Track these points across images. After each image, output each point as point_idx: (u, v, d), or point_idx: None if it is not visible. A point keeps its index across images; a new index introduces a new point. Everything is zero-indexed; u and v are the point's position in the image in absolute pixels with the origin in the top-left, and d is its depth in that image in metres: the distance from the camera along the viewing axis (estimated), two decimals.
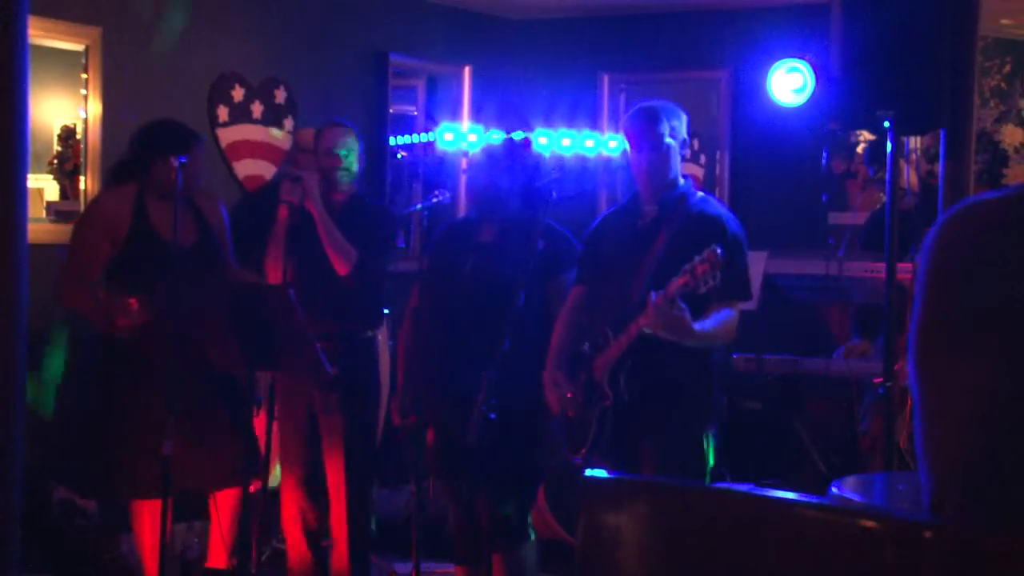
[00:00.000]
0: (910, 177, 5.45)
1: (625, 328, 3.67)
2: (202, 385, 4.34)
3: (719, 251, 3.44)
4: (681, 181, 3.89)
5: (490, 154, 4.39)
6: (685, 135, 3.91)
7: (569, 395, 3.86)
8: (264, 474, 4.54)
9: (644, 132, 3.84)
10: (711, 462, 3.83)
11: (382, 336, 5.00)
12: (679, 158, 3.90)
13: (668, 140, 3.84)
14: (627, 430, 3.78)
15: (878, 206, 6.19)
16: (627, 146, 3.91)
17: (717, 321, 3.67)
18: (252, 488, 4.47)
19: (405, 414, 4.39)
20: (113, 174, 4.68)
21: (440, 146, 7.20)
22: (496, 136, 6.92)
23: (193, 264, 4.32)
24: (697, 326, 3.55)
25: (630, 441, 3.78)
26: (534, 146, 6.92)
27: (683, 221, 3.79)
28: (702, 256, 3.44)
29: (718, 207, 3.92)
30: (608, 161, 7.41)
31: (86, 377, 4.65)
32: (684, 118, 3.92)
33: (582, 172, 7.30)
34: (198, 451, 4.33)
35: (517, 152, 4.36)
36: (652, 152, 3.83)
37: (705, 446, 3.81)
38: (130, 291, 4.36)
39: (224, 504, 4.55)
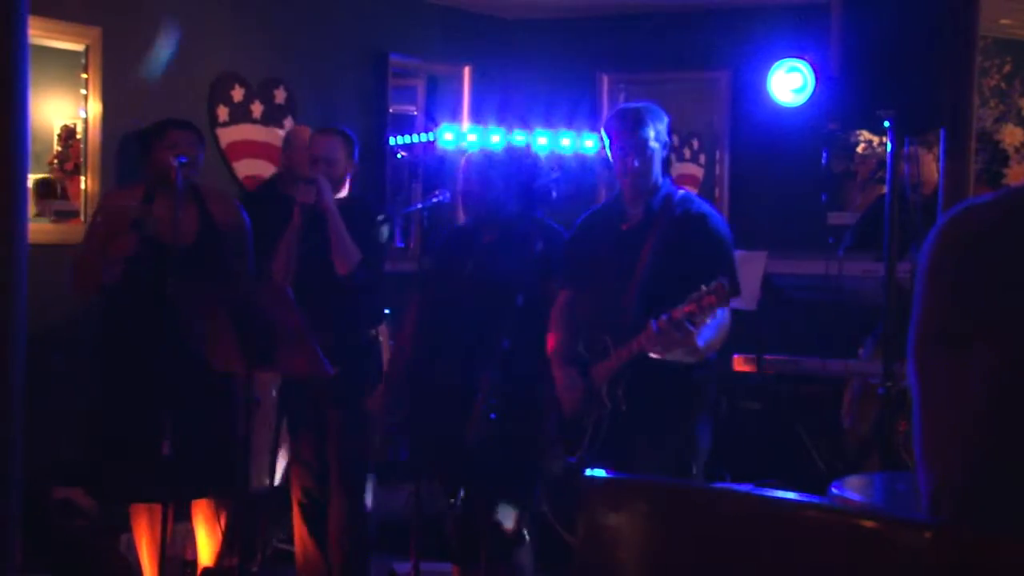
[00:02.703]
0: (922, 174, 5.37)
1: (625, 342, 3.68)
2: (197, 388, 4.33)
3: (726, 284, 3.45)
4: (661, 181, 3.89)
5: (488, 157, 4.39)
6: (667, 137, 3.92)
7: (578, 395, 3.86)
8: (271, 473, 4.55)
9: (628, 137, 3.84)
10: (702, 450, 3.84)
11: (383, 335, 5.02)
12: (661, 161, 3.90)
13: (653, 144, 3.85)
14: (622, 433, 3.79)
15: (872, 200, 6.17)
16: (607, 144, 3.91)
17: (715, 328, 3.66)
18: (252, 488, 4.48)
19: (387, 411, 4.44)
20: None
21: (440, 146, 7.19)
22: (495, 137, 6.93)
23: (192, 263, 4.31)
24: (700, 341, 3.56)
25: (624, 442, 3.78)
26: (532, 147, 6.93)
27: (669, 224, 3.80)
28: (710, 287, 3.45)
29: (701, 205, 3.93)
30: (607, 161, 7.41)
31: (87, 378, 4.65)
32: (666, 120, 3.93)
33: (581, 172, 7.29)
34: (191, 456, 4.33)
35: (515, 155, 4.36)
36: (637, 157, 3.83)
37: (695, 433, 3.82)
38: (125, 289, 4.39)
39: (219, 505, 4.56)
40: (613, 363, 3.74)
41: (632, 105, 3.96)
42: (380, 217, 4.71)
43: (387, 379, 4.57)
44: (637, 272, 3.77)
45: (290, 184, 5.27)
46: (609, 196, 4.12)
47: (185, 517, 4.75)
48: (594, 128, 7.49)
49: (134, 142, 4.71)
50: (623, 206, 3.94)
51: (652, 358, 3.64)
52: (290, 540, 4.99)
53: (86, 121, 5.62)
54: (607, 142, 3.90)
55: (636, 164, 3.83)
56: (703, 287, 3.46)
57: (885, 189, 4.27)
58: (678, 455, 3.77)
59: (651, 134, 3.84)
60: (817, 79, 5.85)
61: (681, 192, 3.94)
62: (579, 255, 4.03)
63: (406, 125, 7.54)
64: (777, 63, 6.70)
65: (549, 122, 7.33)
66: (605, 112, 7.63)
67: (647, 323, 3.58)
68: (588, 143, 7.36)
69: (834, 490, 3.05)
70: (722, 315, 3.70)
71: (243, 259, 4.61)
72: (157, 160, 4.44)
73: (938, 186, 4.47)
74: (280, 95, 6.46)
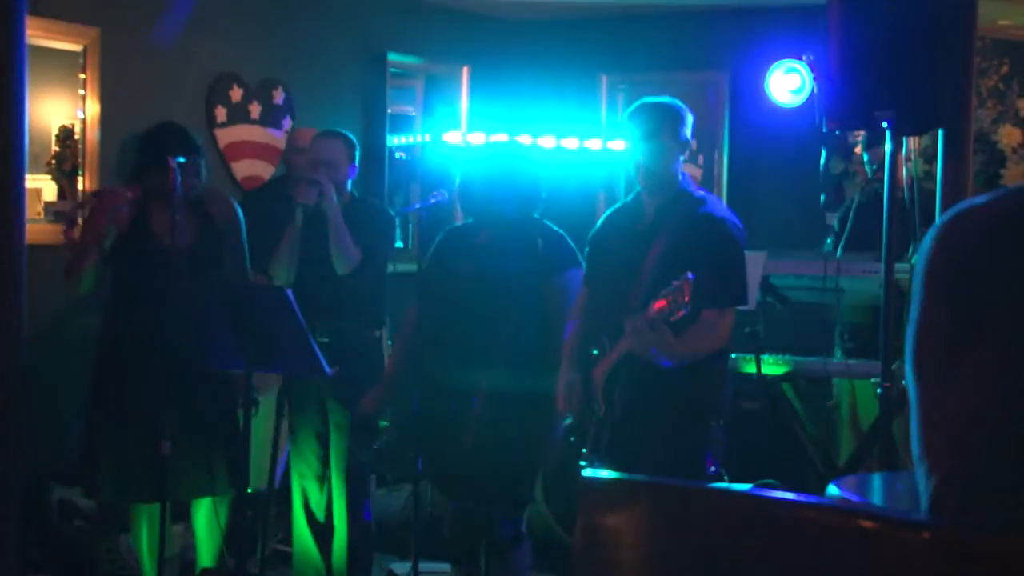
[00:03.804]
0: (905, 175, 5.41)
1: (616, 341, 3.65)
2: (196, 389, 4.33)
3: (691, 277, 3.39)
4: (680, 178, 3.87)
5: (486, 155, 4.38)
6: (688, 136, 3.88)
7: (572, 395, 3.85)
8: (270, 473, 4.55)
9: (648, 131, 3.81)
10: (706, 459, 3.82)
11: (383, 337, 5.02)
12: (680, 158, 3.87)
13: (671, 141, 3.81)
14: (624, 440, 3.76)
15: (848, 201, 6.17)
16: (630, 139, 3.88)
17: (703, 332, 3.62)
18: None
19: (377, 408, 4.42)
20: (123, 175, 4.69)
21: (439, 146, 7.20)
22: (494, 137, 6.93)
23: (189, 266, 4.31)
24: (680, 344, 3.51)
25: (627, 450, 3.76)
26: (530, 146, 6.93)
27: (682, 223, 3.76)
28: (678, 282, 3.38)
29: (717, 207, 3.88)
30: (607, 162, 7.41)
31: (86, 378, 4.65)
32: (690, 119, 3.87)
33: (580, 173, 7.29)
34: (190, 456, 4.33)
35: (513, 154, 4.35)
36: (654, 153, 3.80)
37: (699, 437, 3.79)
38: (124, 291, 4.39)
39: (218, 505, 4.56)
40: (607, 363, 3.72)
41: (653, 101, 3.90)
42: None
43: (383, 379, 4.56)
44: (644, 270, 3.75)
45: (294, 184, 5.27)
46: (630, 193, 4.09)
47: (184, 518, 4.75)
48: (593, 129, 7.49)
49: (132, 144, 4.67)
50: (640, 204, 3.92)
51: (647, 361, 3.61)
52: (288, 541, 5.00)
53: (84, 122, 5.62)
54: (628, 134, 3.86)
55: (653, 163, 3.80)
56: (672, 282, 3.41)
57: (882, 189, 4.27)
58: (681, 459, 3.73)
59: (670, 131, 3.80)
60: (815, 80, 5.85)
61: (700, 192, 3.90)
62: (598, 253, 4.01)
63: (405, 125, 7.54)
64: (775, 64, 6.72)
65: (548, 122, 7.33)
66: (604, 113, 7.63)
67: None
68: (587, 143, 7.36)
69: (833, 490, 3.05)
70: (717, 319, 3.67)
71: (239, 257, 4.61)
72: (147, 175, 4.41)
73: (912, 185, 4.48)
74: (278, 95, 6.46)
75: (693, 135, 3.92)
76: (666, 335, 3.45)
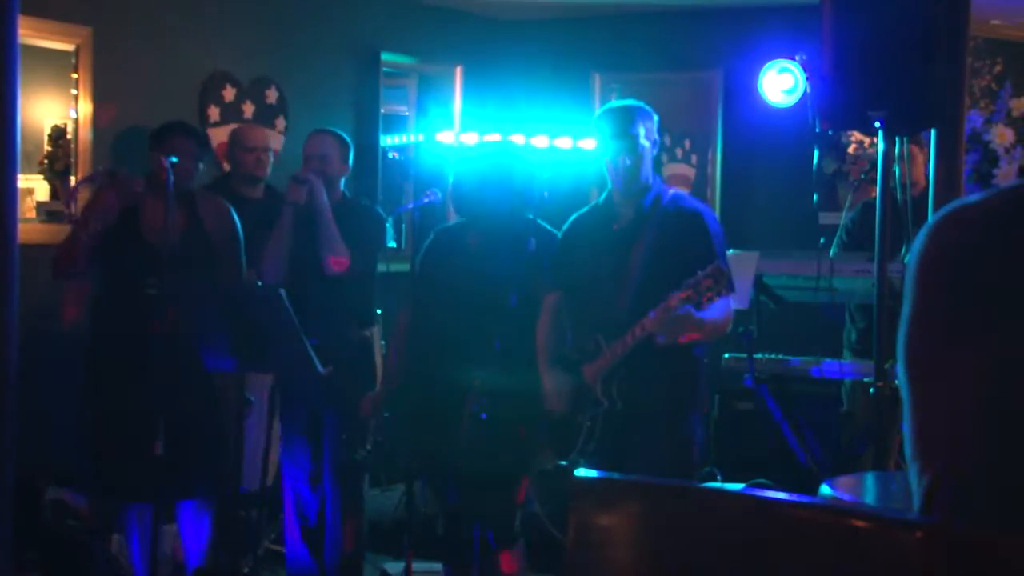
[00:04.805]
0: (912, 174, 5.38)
1: (619, 337, 3.69)
2: (185, 389, 4.32)
3: (723, 266, 3.47)
4: (652, 180, 3.92)
5: (480, 155, 4.38)
6: (656, 136, 3.95)
7: (564, 396, 3.87)
8: (263, 473, 4.54)
9: (619, 134, 3.86)
10: (698, 445, 3.86)
11: (375, 336, 5.02)
12: (651, 159, 3.93)
13: (643, 142, 3.87)
14: (617, 433, 3.79)
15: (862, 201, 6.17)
16: (600, 140, 3.92)
17: (720, 311, 3.70)
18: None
19: (376, 410, 4.43)
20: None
21: (432, 146, 7.19)
22: (487, 137, 6.93)
23: (176, 264, 4.30)
24: (705, 315, 3.58)
25: (619, 443, 3.79)
26: (525, 146, 6.92)
27: (661, 222, 3.83)
28: (705, 271, 3.47)
29: (693, 202, 3.98)
30: (601, 161, 7.40)
31: (78, 378, 4.64)
32: (655, 119, 3.95)
33: (574, 172, 7.29)
34: (180, 457, 4.32)
35: (507, 153, 4.35)
36: (628, 154, 3.85)
37: (691, 429, 3.84)
38: (114, 288, 4.38)
39: (204, 506, 4.56)
40: (606, 361, 3.75)
41: (621, 103, 3.98)
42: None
43: (382, 382, 4.56)
44: (630, 271, 3.79)
45: (240, 183, 5.28)
46: (599, 197, 4.13)
47: (175, 518, 4.74)
48: (587, 128, 7.48)
49: (143, 141, 4.68)
50: (613, 206, 3.95)
51: (644, 355, 3.65)
52: (281, 540, 4.99)
53: (76, 121, 5.61)
54: (599, 139, 3.91)
55: (627, 163, 3.84)
56: (699, 272, 3.48)
57: (876, 189, 4.27)
58: (675, 451, 3.78)
59: (641, 132, 3.86)
60: (808, 80, 5.85)
61: (672, 191, 3.97)
62: (570, 257, 4.04)
63: (398, 125, 7.54)
64: (768, 64, 6.72)
65: (541, 122, 7.33)
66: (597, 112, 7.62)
67: (645, 316, 3.61)
68: (580, 143, 7.36)
69: (826, 489, 3.05)
70: (725, 302, 3.73)
71: (232, 263, 4.59)
72: (152, 161, 4.44)
73: (927, 186, 4.48)
74: (271, 95, 6.46)
75: (660, 134, 3.98)
76: (690, 314, 3.53)
